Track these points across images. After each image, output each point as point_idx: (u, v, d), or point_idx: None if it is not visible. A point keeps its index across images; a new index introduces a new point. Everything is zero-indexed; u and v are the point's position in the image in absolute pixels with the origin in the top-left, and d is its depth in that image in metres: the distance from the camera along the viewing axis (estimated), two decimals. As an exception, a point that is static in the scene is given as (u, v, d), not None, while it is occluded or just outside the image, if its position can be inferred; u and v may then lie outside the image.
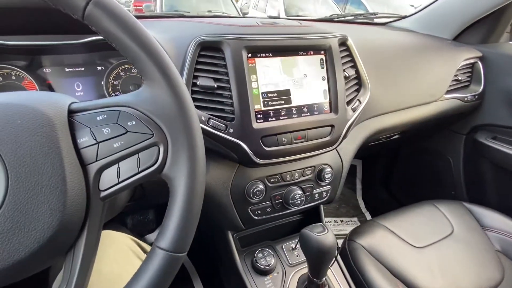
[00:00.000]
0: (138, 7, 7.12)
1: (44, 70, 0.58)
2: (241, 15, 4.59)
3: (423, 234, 0.78)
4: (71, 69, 0.60)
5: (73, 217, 0.26)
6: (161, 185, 0.60)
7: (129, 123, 0.29)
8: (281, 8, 5.20)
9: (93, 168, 0.28)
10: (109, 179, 0.28)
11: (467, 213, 0.86)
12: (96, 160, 0.28)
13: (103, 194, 0.28)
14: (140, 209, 1.07)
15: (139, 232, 1.13)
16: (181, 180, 0.30)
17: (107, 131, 0.28)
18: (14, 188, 0.24)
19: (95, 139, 0.28)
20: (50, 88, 0.59)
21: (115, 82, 0.63)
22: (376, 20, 1.23)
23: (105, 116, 0.28)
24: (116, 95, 0.63)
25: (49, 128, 0.26)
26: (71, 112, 0.28)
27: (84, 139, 0.27)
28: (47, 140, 0.25)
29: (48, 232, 0.25)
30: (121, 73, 0.63)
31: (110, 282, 0.40)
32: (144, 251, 0.51)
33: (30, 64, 0.57)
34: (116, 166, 0.28)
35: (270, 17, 5.01)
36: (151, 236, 1.15)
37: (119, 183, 0.28)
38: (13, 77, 0.56)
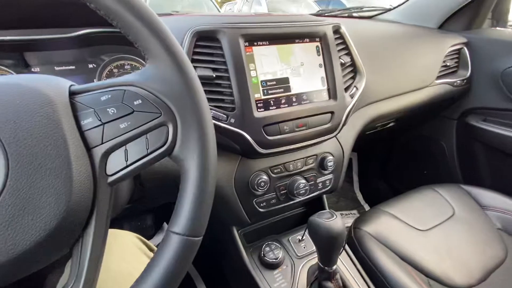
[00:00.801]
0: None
1: (33, 70, 0.56)
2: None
3: (426, 218, 0.78)
4: (61, 68, 0.58)
5: (81, 204, 0.25)
6: (161, 184, 0.58)
7: (135, 102, 0.27)
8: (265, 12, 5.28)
9: (99, 151, 0.26)
10: (116, 163, 0.27)
11: (466, 194, 0.87)
12: (102, 143, 0.26)
13: (110, 179, 0.27)
14: (138, 214, 1.04)
15: (137, 239, 1.09)
16: (193, 160, 0.28)
17: (112, 111, 0.26)
18: (15, 172, 0.22)
19: (100, 120, 0.26)
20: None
21: (108, 80, 0.61)
22: (362, 14, 1.26)
23: (109, 96, 0.27)
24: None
25: (50, 108, 0.24)
26: (72, 94, 0.27)
27: (88, 121, 0.26)
28: (49, 121, 0.24)
29: (54, 220, 0.23)
30: (114, 70, 0.61)
31: (119, 280, 0.37)
32: (151, 249, 0.49)
33: (17, 63, 0.54)
34: (123, 148, 0.27)
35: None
36: (151, 242, 1.12)
37: (127, 166, 0.27)
38: (0, 77, 0.53)
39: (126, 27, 0.27)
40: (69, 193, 0.24)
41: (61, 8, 0.50)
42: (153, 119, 0.27)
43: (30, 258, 0.23)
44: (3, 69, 0.53)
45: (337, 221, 0.52)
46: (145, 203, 0.73)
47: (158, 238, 1.12)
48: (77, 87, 0.27)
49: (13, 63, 0.54)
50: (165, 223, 1.13)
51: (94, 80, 0.60)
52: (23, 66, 0.55)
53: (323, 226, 0.51)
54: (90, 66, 0.60)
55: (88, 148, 0.26)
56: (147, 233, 1.10)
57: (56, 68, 0.58)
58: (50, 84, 0.26)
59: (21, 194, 0.22)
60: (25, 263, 0.23)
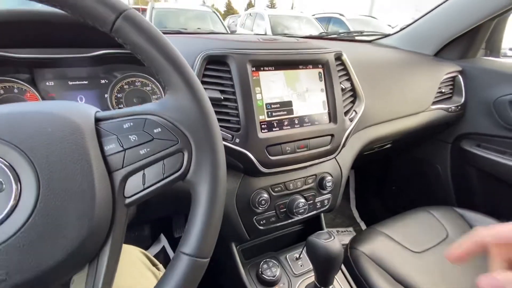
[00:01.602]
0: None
1: (47, 83, 0.58)
2: (229, 33, 4.73)
3: (420, 240, 0.80)
4: (75, 82, 0.60)
5: (100, 225, 0.26)
6: (163, 199, 0.59)
7: (155, 130, 0.29)
8: (267, 27, 5.41)
9: (119, 175, 0.28)
10: (134, 186, 0.29)
11: (459, 218, 0.89)
12: (122, 167, 0.28)
13: (128, 200, 0.29)
14: (135, 225, 1.04)
15: (134, 249, 1.09)
16: (204, 185, 0.30)
17: (134, 138, 0.28)
18: (45, 195, 0.24)
19: (122, 146, 0.28)
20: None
21: (119, 95, 0.63)
22: (362, 38, 1.31)
23: (131, 123, 0.29)
24: (120, 108, 0.63)
25: (78, 135, 0.26)
26: (97, 120, 0.29)
27: (111, 146, 0.28)
28: (77, 147, 0.26)
29: (77, 240, 0.25)
30: (125, 86, 0.64)
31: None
32: (154, 264, 0.50)
33: (33, 77, 0.57)
34: (141, 172, 0.29)
35: (257, 35, 5.19)
36: (153, 257, 1.11)
37: (144, 189, 0.29)
38: (16, 90, 0.55)
39: (150, 61, 0.30)
40: (91, 215, 0.25)
41: (80, 30, 0.52)
42: (171, 146, 0.30)
43: (51, 275, 0.24)
44: (20, 83, 0.55)
45: (335, 242, 0.54)
46: (145, 215, 0.74)
47: (154, 249, 1.12)
48: (102, 114, 0.30)
49: (29, 77, 0.56)
50: (162, 234, 1.13)
51: (106, 95, 0.62)
52: (39, 81, 0.57)
53: (321, 247, 0.53)
54: (103, 81, 0.63)
55: (110, 172, 0.28)
56: (144, 244, 1.10)
57: (70, 83, 0.60)
58: (78, 112, 0.28)
59: (49, 216, 0.24)
60: (46, 280, 0.24)
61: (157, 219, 1.06)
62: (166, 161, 0.29)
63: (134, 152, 0.28)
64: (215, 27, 4.73)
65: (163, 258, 1.10)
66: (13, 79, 0.55)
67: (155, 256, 1.12)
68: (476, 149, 1.02)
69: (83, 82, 0.61)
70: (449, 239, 0.82)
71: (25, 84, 0.56)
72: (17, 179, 0.24)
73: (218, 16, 4.98)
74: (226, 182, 0.60)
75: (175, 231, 1.09)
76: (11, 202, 0.23)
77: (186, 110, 0.30)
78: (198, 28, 4.42)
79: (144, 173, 0.29)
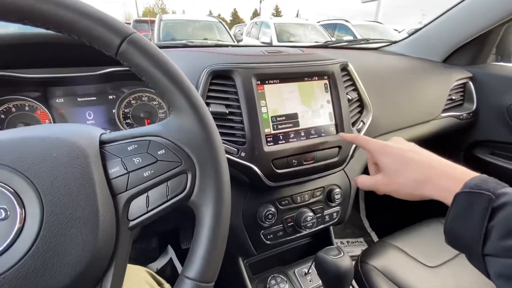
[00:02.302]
0: (135, 36, 7.38)
1: (57, 100, 0.59)
2: (236, 42, 4.80)
3: (434, 253, 0.77)
4: (83, 99, 0.62)
5: (104, 249, 0.26)
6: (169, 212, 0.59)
7: (159, 152, 0.29)
8: (273, 35, 5.46)
9: (123, 198, 0.28)
10: (138, 208, 0.28)
11: (475, 230, 0.86)
12: (126, 190, 0.28)
13: (131, 223, 0.28)
14: (142, 237, 1.04)
15: (142, 261, 1.08)
16: (209, 207, 0.30)
17: (138, 160, 0.28)
18: (49, 222, 0.24)
19: (126, 169, 0.28)
20: (62, 117, 0.60)
21: (126, 110, 0.64)
22: (368, 46, 1.31)
23: (136, 146, 0.29)
24: (127, 123, 0.64)
25: (83, 159, 0.26)
26: (102, 143, 0.29)
27: (115, 169, 0.28)
28: (82, 172, 0.26)
29: (80, 266, 0.24)
30: (132, 101, 0.65)
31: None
32: (159, 283, 0.49)
33: (43, 94, 0.58)
34: (145, 195, 0.29)
35: (263, 42, 5.24)
36: (154, 265, 1.11)
37: (148, 212, 0.28)
38: (27, 108, 0.57)
39: (154, 83, 0.30)
40: (94, 240, 0.25)
41: (88, 49, 0.54)
42: (175, 168, 0.29)
43: None
44: (30, 100, 0.57)
45: (345, 258, 0.52)
46: (151, 228, 0.74)
47: (161, 261, 1.12)
48: (106, 136, 0.30)
49: (40, 95, 0.58)
50: (169, 246, 1.13)
51: (114, 110, 0.63)
52: (49, 98, 0.59)
53: (331, 263, 0.51)
54: (110, 97, 0.64)
55: (114, 195, 0.28)
56: (151, 256, 1.09)
57: (79, 99, 0.61)
58: (84, 135, 0.28)
59: (52, 243, 0.24)
60: None
61: (164, 231, 1.05)
62: (170, 183, 0.29)
63: (138, 174, 0.28)
64: (221, 36, 4.80)
65: (170, 270, 1.09)
66: (24, 97, 0.56)
67: (162, 268, 1.11)
68: (490, 157, 0.98)
69: (91, 98, 0.62)
70: (465, 252, 0.78)
71: (36, 101, 0.57)
72: (22, 206, 0.24)
73: (224, 26, 5.06)
74: (232, 197, 0.60)
75: (182, 243, 1.08)
76: (15, 230, 0.23)
77: (190, 131, 0.30)
78: (205, 39, 4.50)
79: (148, 195, 0.29)
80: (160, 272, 1.09)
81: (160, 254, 1.11)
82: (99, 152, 0.28)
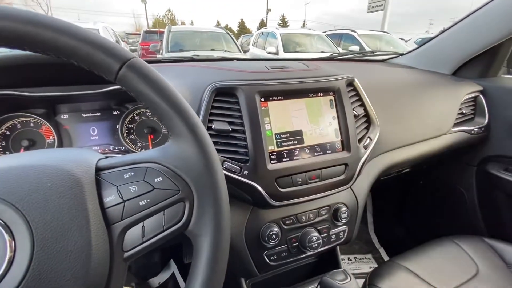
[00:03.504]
0: (144, 47, 7.59)
1: (62, 117, 0.60)
2: (242, 52, 4.85)
3: (447, 276, 0.73)
4: (88, 115, 0.62)
5: (96, 282, 0.25)
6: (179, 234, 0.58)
7: (156, 180, 0.28)
8: (279, 45, 5.52)
9: (117, 228, 0.27)
10: (133, 239, 0.27)
11: (490, 250, 0.81)
12: (122, 219, 0.27)
13: (126, 254, 0.27)
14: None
15: (144, 275, 1.07)
16: (206, 237, 0.28)
17: (134, 189, 0.27)
18: (39, 257, 0.23)
19: (122, 198, 0.27)
20: (66, 133, 0.60)
21: (130, 126, 0.64)
22: (375, 58, 1.29)
23: (132, 173, 0.28)
24: (130, 138, 0.64)
25: (77, 189, 0.25)
26: (98, 170, 0.28)
27: (111, 198, 0.27)
28: (75, 202, 0.25)
29: None
30: (136, 117, 0.65)
31: None
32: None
33: (48, 111, 0.58)
34: (141, 224, 0.27)
35: (269, 52, 5.29)
36: (156, 280, 1.09)
37: (143, 242, 0.27)
38: (32, 124, 0.57)
39: (153, 108, 0.29)
40: (86, 274, 0.24)
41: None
42: (172, 196, 0.28)
43: None
44: (35, 117, 0.57)
45: (352, 284, 0.50)
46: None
47: (163, 276, 1.10)
48: (103, 163, 0.29)
49: (44, 112, 0.58)
50: (171, 260, 1.11)
51: (117, 126, 0.63)
52: (54, 115, 0.59)
53: (336, 289, 0.49)
54: (115, 113, 0.64)
55: (108, 225, 0.27)
56: (153, 271, 1.08)
57: (83, 115, 0.62)
58: (80, 162, 0.27)
59: (42, 278, 0.22)
60: None
61: (166, 246, 1.04)
62: (167, 212, 0.28)
63: (133, 203, 0.27)
64: (228, 46, 4.87)
65: (173, 285, 1.07)
66: (29, 114, 0.57)
67: (164, 283, 1.09)
68: (504, 173, 0.94)
69: (96, 114, 0.62)
70: (480, 275, 0.74)
71: (41, 118, 0.58)
72: (12, 239, 0.23)
73: (231, 36, 5.14)
74: (234, 216, 0.59)
75: (185, 257, 1.06)
76: (4, 265, 0.22)
77: (189, 157, 0.29)
78: (212, 49, 4.57)
79: (143, 225, 0.28)
80: (162, 287, 1.07)
81: (162, 268, 1.10)
82: (95, 179, 0.27)
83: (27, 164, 0.26)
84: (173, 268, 1.10)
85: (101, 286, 0.26)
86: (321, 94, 0.62)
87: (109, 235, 0.26)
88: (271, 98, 0.57)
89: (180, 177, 0.29)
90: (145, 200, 0.27)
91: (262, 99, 0.56)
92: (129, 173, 0.28)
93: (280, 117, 0.58)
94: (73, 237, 0.24)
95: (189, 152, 0.29)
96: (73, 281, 0.23)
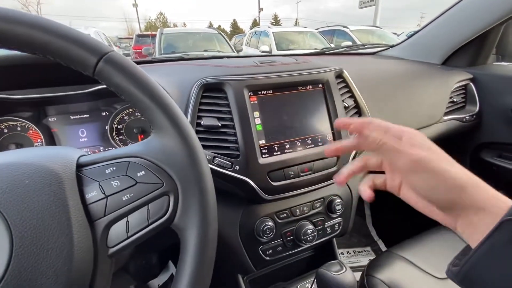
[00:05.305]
0: (137, 50, 7.55)
1: (50, 119, 0.59)
2: (235, 52, 4.85)
3: (444, 263, 0.73)
4: (76, 116, 0.61)
5: (80, 280, 0.24)
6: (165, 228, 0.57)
7: (138, 174, 0.28)
8: (272, 43, 5.52)
9: (101, 224, 0.26)
10: (117, 235, 0.27)
11: (486, 236, 0.82)
12: (105, 215, 0.26)
13: (111, 251, 0.27)
14: (143, 253, 1.02)
15: (143, 277, 1.06)
16: (192, 231, 0.28)
17: (116, 183, 0.27)
18: (19, 255, 0.22)
19: (104, 193, 0.27)
20: (54, 136, 0.60)
21: (119, 126, 0.64)
22: (365, 51, 1.29)
23: (114, 168, 0.28)
24: (120, 139, 0.63)
25: (57, 186, 0.25)
26: (79, 166, 0.28)
27: (93, 194, 0.27)
28: (55, 198, 0.24)
29: None
30: (125, 117, 0.64)
31: None
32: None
33: (35, 114, 0.58)
34: (125, 220, 0.27)
35: (262, 51, 5.29)
36: (155, 282, 1.08)
37: (128, 238, 0.27)
38: (19, 128, 0.56)
39: (134, 101, 0.29)
40: (68, 271, 0.24)
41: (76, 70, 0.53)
42: (155, 190, 0.28)
43: None
44: (22, 121, 0.56)
45: (347, 274, 0.50)
46: (149, 245, 0.72)
47: (163, 277, 1.09)
48: (84, 159, 0.28)
49: (32, 115, 0.57)
50: (170, 262, 1.10)
51: (106, 127, 0.63)
52: (41, 117, 0.58)
53: (332, 280, 0.49)
54: (103, 114, 0.63)
55: (91, 221, 0.26)
56: (152, 272, 1.07)
57: (72, 117, 0.61)
58: (59, 159, 0.27)
59: (22, 277, 0.22)
60: None
61: (164, 247, 1.03)
62: (151, 206, 0.28)
63: (116, 198, 0.27)
64: (221, 47, 4.86)
65: (173, 287, 1.06)
66: (16, 118, 0.56)
67: (163, 284, 1.09)
68: (498, 160, 0.95)
69: (84, 116, 0.62)
70: (477, 261, 0.74)
71: (28, 121, 0.57)
72: None
73: (223, 37, 5.13)
74: (228, 212, 0.58)
75: (184, 258, 1.06)
76: None
77: (172, 150, 0.29)
78: (205, 50, 4.56)
79: (127, 220, 0.27)
80: (161, 288, 1.06)
81: (160, 271, 1.09)
82: (76, 176, 0.27)
83: (3, 162, 0.25)
84: (172, 269, 1.09)
85: (85, 283, 0.25)
86: (310, 87, 0.62)
87: (92, 231, 0.26)
88: (259, 92, 0.57)
89: (163, 170, 0.28)
90: (128, 195, 0.27)
91: (251, 93, 0.56)
92: (111, 168, 0.28)
93: (269, 111, 0.58)
94: (53, 234, 0.24)
95: (172, 144, 0.29)
96: (54, 279, 0.23)
